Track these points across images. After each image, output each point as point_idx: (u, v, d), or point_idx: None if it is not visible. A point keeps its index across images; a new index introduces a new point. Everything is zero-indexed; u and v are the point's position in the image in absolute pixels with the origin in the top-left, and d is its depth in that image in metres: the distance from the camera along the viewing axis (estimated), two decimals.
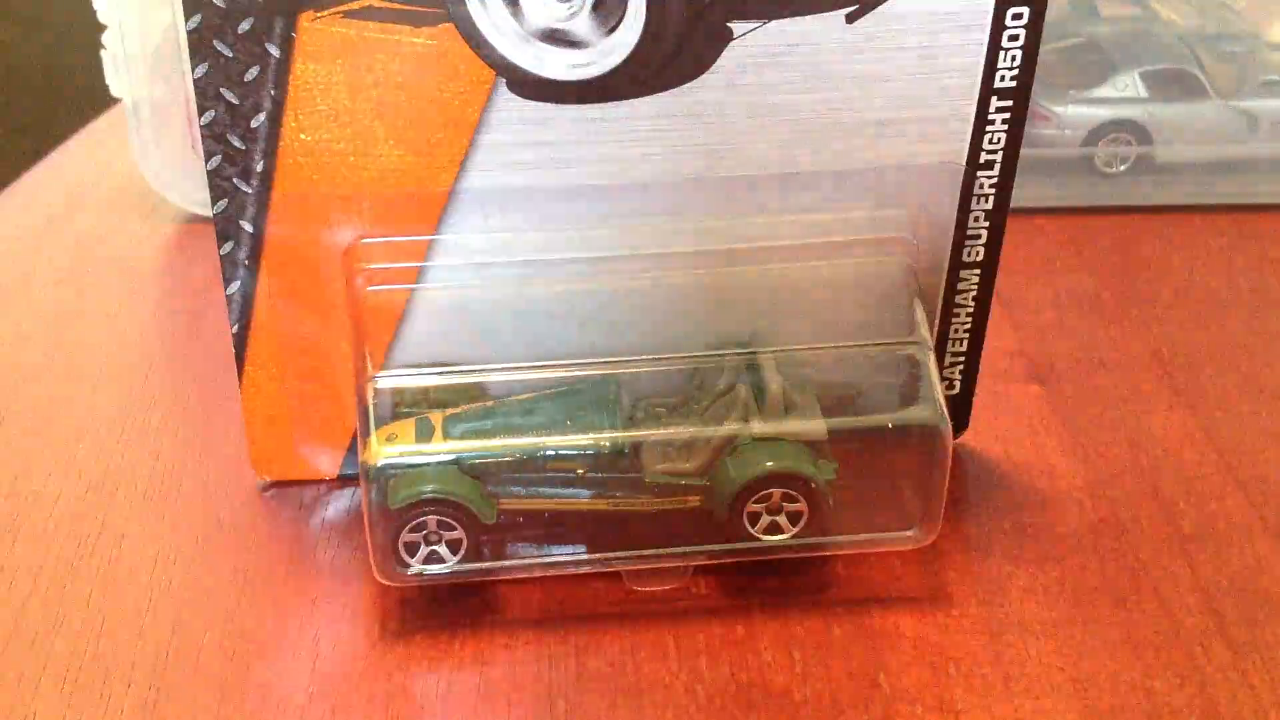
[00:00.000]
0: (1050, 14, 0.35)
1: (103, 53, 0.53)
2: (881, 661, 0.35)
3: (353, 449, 0.40)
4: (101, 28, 0.53)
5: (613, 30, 0.34)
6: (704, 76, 0.34)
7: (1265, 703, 0.34)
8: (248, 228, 0.36)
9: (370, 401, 0.35)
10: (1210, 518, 0.40)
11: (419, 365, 0.37)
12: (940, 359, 0.40)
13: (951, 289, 0.39)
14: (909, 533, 0.37)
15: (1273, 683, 0.34)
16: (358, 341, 0.36)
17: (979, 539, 0.39)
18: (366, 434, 0.35)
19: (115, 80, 0.54)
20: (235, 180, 0.35)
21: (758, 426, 0.35)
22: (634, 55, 0.34)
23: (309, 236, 0.36)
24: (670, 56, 0.34)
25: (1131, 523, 0.40)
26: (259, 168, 0.35)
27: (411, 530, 0.35)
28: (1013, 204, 0.37)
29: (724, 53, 0.34)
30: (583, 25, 0.34)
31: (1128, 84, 0.57)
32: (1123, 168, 0.57)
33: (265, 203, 0.35)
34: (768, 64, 0.34)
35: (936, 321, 0.39)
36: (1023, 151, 0.37)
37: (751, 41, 0.34)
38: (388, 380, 0.36)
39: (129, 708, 0.34)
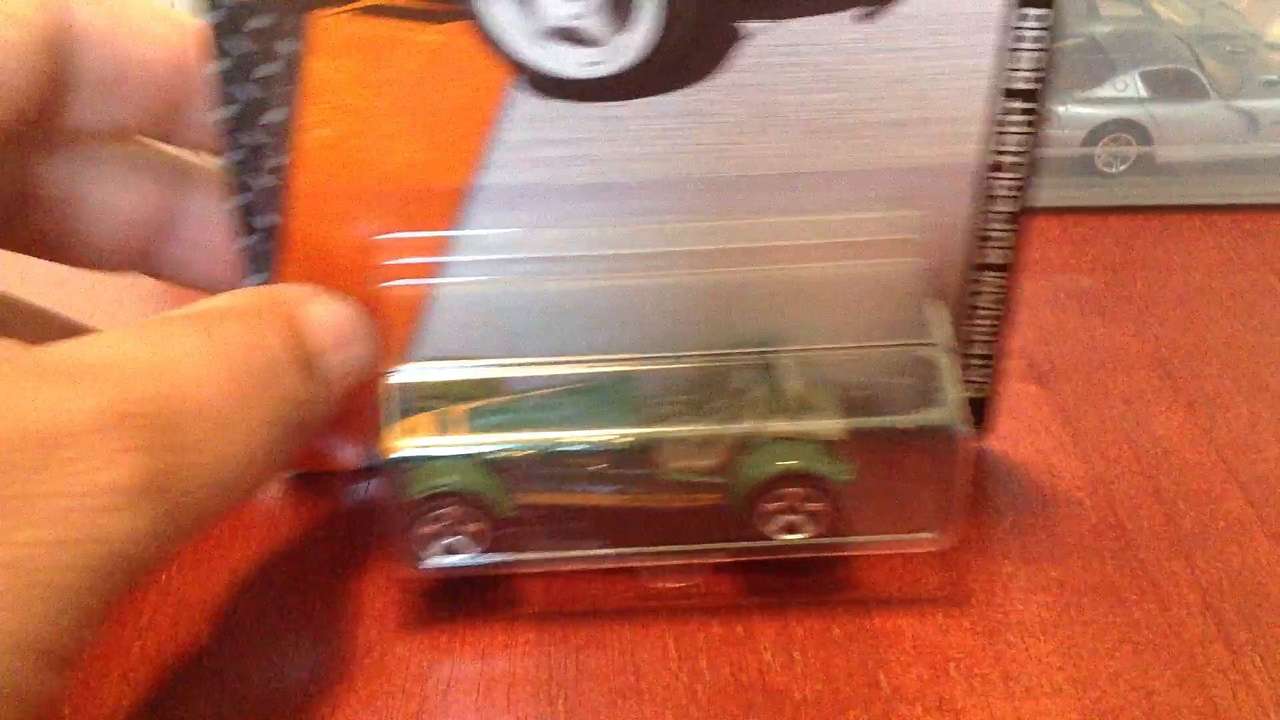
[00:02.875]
0: None
1: None
2: (881, 661, 0.35)
3: (372, 441, 0.39)
4: None
5: (625, 29, 0.34)
6: (716, 76, 0.34)
7: (1265, 703, 0.34)
8: (262, 224, 0.36)
9: (388, 395, 0.35)
10: (1210, 518, 0.40)
11: (437, 360, 0.37)
12: (961, 362, 0.40)
13: (970, 292, 0.38)
14: (928, 535, 0.36)
15: (1273, 683, 0.34)
16: None
17: (979, 539, 0.39)
18: (384, 426, 0.35)
19: None
20: (249, 177, 0.35)
21: (775, 425, 0.35)
22: (646, 54, 0.34)
23: (324, 233, 0.36)
24: (682, 56, 0.34)
25: (1131, 523, 0.40)
26: (273, 164, 0.35)
27: (428, 523, 0.35)
28: None
29: (736, 53, 0.34)
30: (595, 23, 0.34)
31: (1128, 84, 0.57)
32: (1123, 168, 0.57)
33: (280, 199, 0.35)
34: (780, 64, 0.34)
35: (957, 324, 0.39)
36: None
37: (763, 42, 0.34)
38: (405, 374, 0.36)
39: (129, 707, 0.33)
